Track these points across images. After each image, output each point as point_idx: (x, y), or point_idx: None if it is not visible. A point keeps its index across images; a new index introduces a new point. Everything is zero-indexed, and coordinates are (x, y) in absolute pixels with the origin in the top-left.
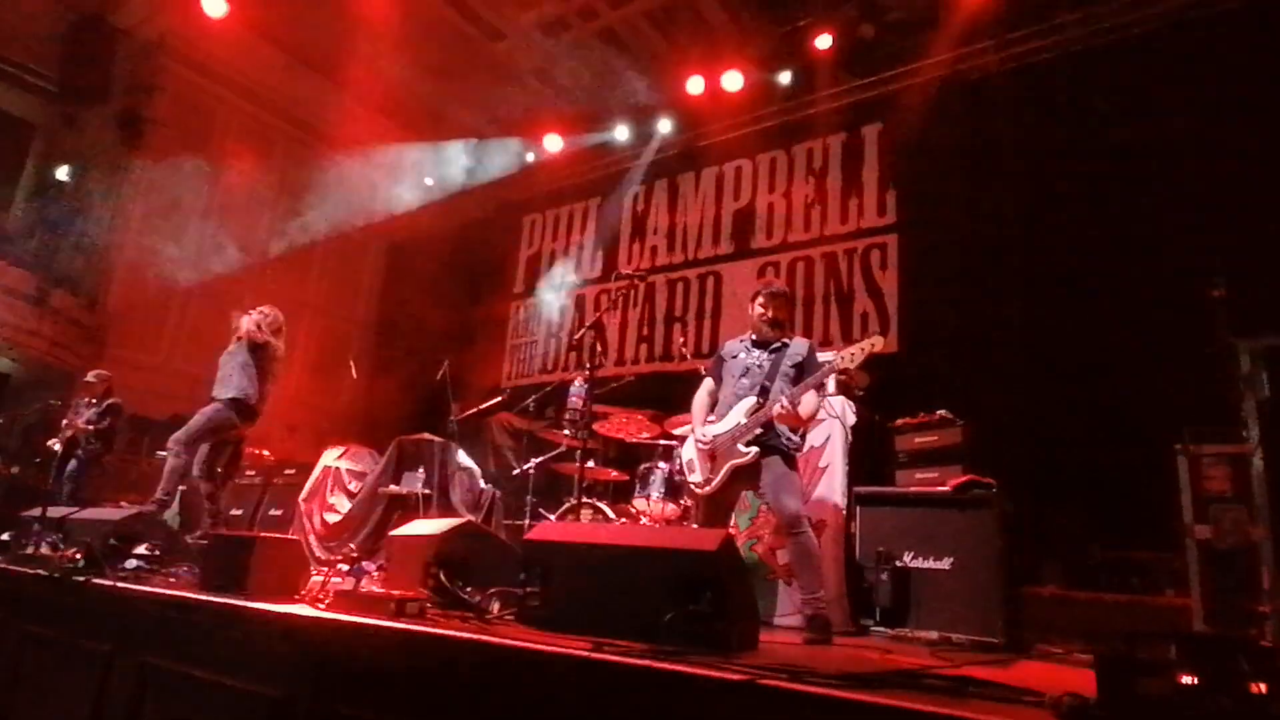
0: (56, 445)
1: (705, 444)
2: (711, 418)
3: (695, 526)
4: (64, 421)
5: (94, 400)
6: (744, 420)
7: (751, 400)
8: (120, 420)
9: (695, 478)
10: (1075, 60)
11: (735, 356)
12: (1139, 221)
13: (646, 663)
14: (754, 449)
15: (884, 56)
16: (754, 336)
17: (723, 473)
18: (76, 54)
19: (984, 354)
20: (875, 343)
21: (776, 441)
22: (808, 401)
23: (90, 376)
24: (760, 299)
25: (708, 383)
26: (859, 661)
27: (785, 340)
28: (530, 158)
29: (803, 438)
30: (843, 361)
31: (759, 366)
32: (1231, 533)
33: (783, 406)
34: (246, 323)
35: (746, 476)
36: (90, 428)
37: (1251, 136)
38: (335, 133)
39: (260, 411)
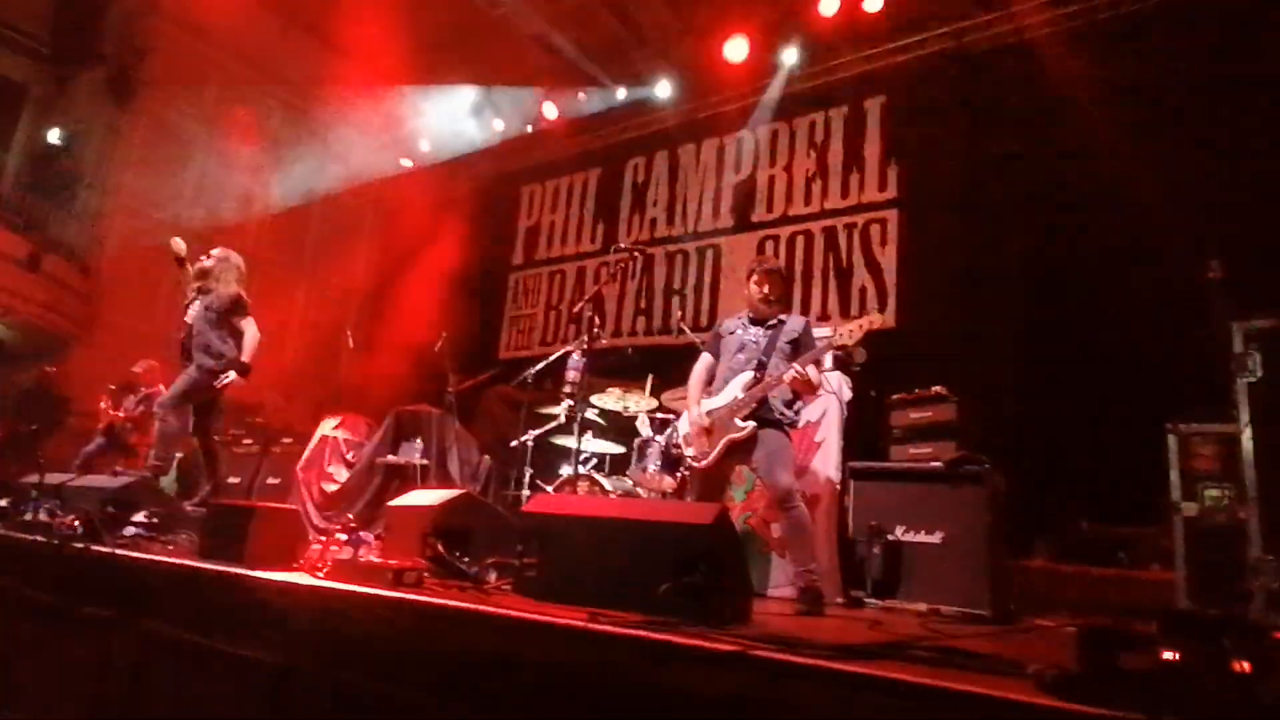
0: (99, 440)
1: (702, 418)
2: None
3: (690, 499)
4: (101, 406)
5: (140, 389)
6: (740, 394)
7: (748, 375)
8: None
9: (692, 452)
10: (1076, 36)
11: (732, 333)
12: (1138, 201)
13: (640, 633)
14: (750, 424)
15: (888, 29)
16: (750, 314)
17: (719, 447)
18: (68, 15)
19: (980, 331)
20: (873, 320)
21: (772, 416)
22: (809, 375)
23: (138, 368)
24: (755, 276)
25: (705, 358)
26: (849, 633)
27: (782, 317)
28: (529, 127)
29: (797, 412)
30: (840, 338)
31: (755, 343)
32: (1218, 510)
33: (796, 373)
34: (221, 287)
35: (742, 450)
36: (124, 416)
37: (1251, 117)
38: (330, 97)
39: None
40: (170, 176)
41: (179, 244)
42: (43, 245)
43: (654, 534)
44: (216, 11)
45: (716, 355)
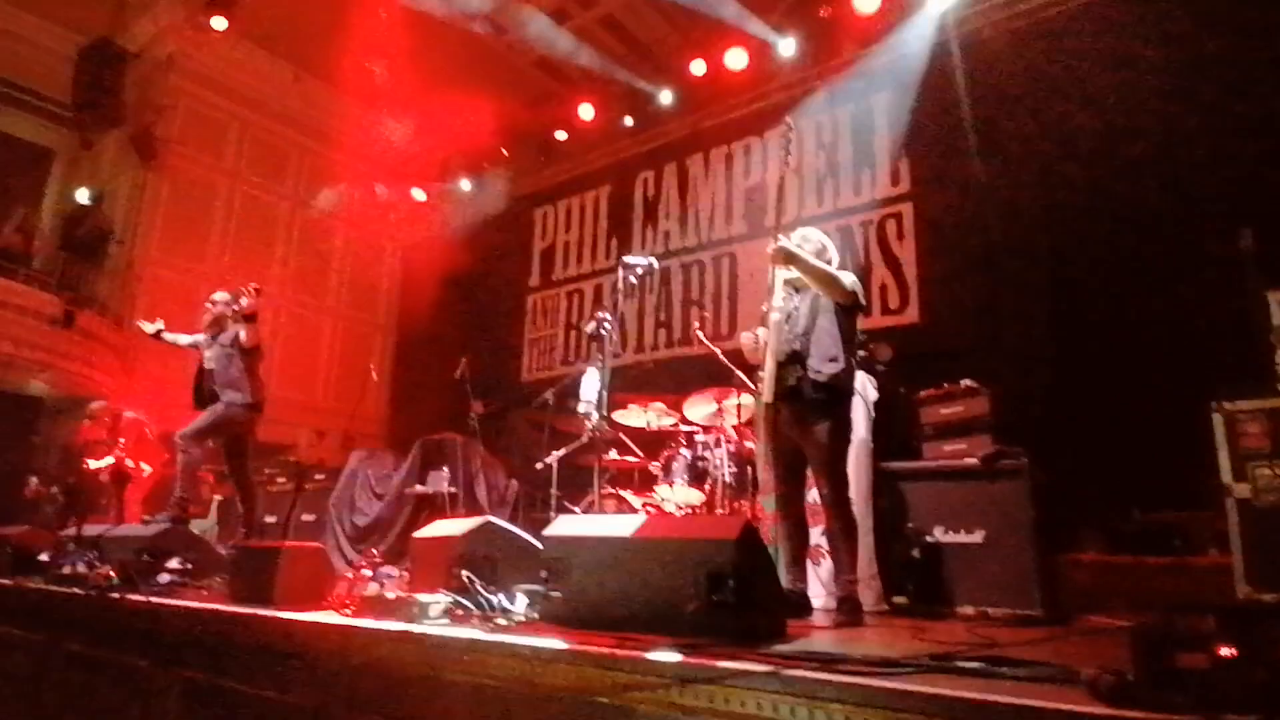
0: (104, 477)
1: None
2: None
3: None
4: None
5: (110, 429)
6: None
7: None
8: (129, 429)
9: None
10: (1089, 14)
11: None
12: (1164, 175)
13: (670, 656)
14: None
15: (888, 24)
16: None
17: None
18: (88, 79)
19: (1008, 319)
20: None
21: (813, 381)
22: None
23: (94, 406)
24: None
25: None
26: (890, 644)
27: None
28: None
29: (847, 371)
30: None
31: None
32: (1271, 490)
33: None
34: (232, 326)
35: (798, 406)
36: (125, 455)
37: None
38: (346, 140)
39: (265, 400)
40: (197, 227)
41: (147, 326)
42: (76, 302)
43: (680, 552)
44: (232, 65)
45: None
